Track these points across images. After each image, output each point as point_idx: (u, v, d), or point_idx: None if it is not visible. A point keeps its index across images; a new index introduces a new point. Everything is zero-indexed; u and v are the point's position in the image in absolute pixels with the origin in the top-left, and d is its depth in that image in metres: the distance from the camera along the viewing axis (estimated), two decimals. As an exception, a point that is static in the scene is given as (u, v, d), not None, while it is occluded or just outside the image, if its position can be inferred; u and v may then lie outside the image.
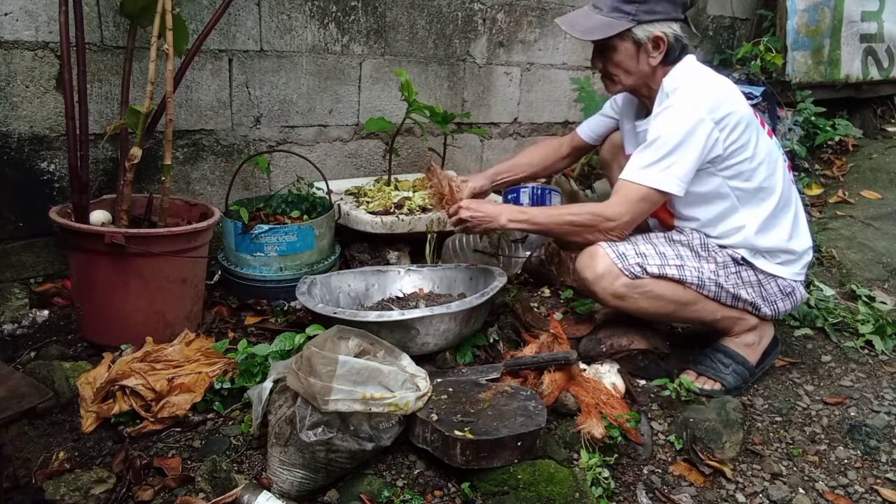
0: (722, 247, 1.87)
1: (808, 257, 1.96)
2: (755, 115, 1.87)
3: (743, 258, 1.86)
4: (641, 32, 1.77)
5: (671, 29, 1.78)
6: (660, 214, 1.98)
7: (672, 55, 1.81)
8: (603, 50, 1.84)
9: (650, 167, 1.75)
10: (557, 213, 1.97)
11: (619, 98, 2.12)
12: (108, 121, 2.25)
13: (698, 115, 1.72)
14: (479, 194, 2.16)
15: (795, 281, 1.92)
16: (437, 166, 2.09)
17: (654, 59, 1.80)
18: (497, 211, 1.93)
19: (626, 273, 1.78)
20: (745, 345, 1.95)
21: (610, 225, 1.81)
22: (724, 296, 1.86)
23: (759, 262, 1.87)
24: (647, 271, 1.79)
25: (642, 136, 1.92)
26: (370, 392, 1.42)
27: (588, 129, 2.26)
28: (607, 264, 1.79)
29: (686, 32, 1.81)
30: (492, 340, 2.03)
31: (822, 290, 2.49)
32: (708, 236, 1.88)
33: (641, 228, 2.11)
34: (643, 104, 1.96)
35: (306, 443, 1.37)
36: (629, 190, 1.78)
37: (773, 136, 1.96)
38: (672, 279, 1.81)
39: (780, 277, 1.89)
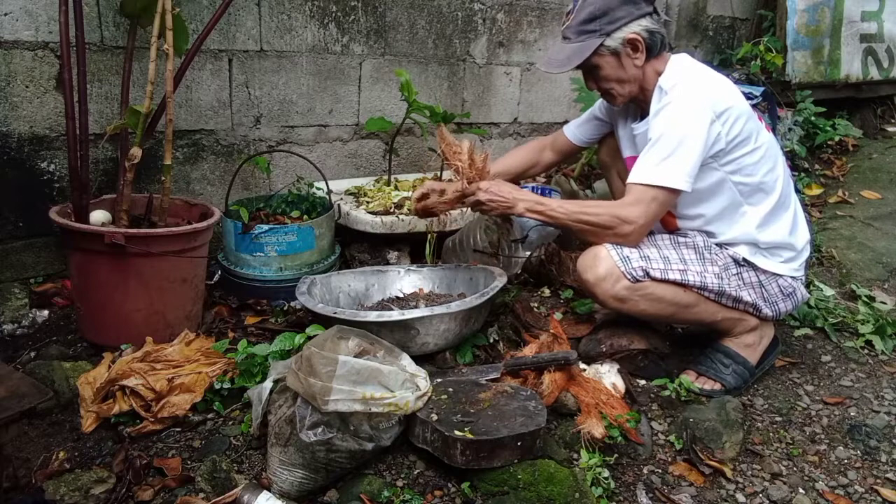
0: (722, 247, 1.87)
1: (807, 253, 1.96)
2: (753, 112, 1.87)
3: (744, 259, 1.86)
4: (613, 42, 1.78)
5: (640, 26, 1.77)
6: (664, 217, 1.97)
7: (654, 50, 1.81)
8: (589, 71, 1.85)
9: (657, 166, 1.73)
10: (577, 209, 1.85)
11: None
12: (108, 121, 2.25)
13: (699, 108, 1.72)
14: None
15: (795, 279, 1.92)
16: (447, 132, 1.98)
17: (639, 59, 1.80)
18: (515, 197, 1.86)
19: (628, 276, 1.77)
20: (746, 345, 1.95)
21: (627, 229, 1.76)
22: (726, 298, 1.85)
23: (759, 261, 1.87)
24: (649, 275, 1.78)
25: (639, 137, 1.91)
26: (370, 392, 1.42)
27: (577, 131, 2.24)
28: (609, 266, 1.77)
29: (657, 23, 1.81)
30: (492, 340, 2.03)
31: (822, 290, 2.49)
32: (710, 235, 1.88)
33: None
34: (638, 105, 1.95)
35: (306, 443, 1.37)
36: (640, 192, 1.75)
37: (772, 133, 1.96)
38: (674, 282, 1.80)
39: (780, 277, 1.89)
